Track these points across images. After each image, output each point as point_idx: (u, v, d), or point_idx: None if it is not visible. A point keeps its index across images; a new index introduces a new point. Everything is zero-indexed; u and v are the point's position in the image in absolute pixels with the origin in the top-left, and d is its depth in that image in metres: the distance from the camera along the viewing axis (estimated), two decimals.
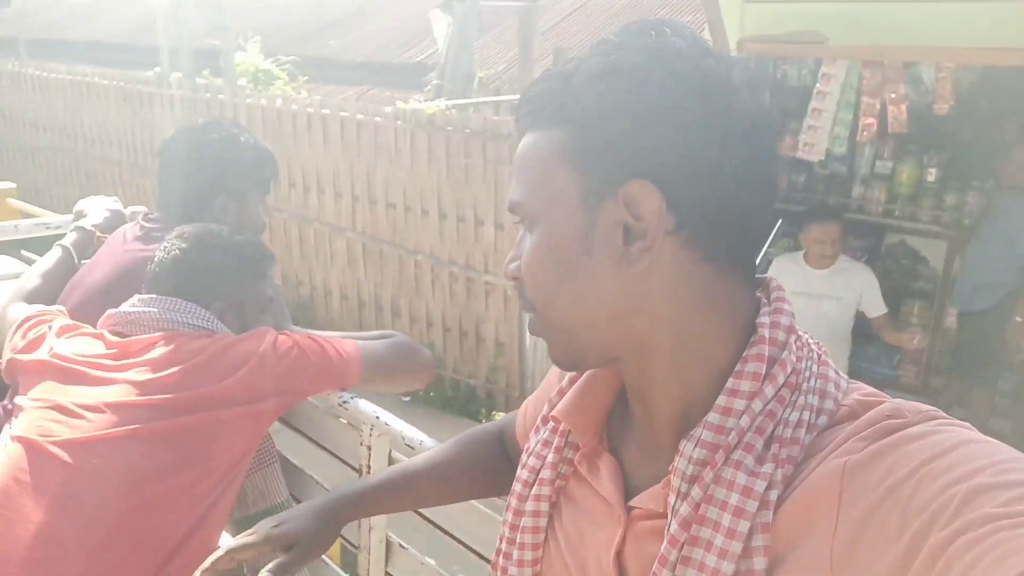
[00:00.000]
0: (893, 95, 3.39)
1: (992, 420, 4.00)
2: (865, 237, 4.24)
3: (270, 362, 1.35)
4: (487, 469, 1.03)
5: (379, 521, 1.48)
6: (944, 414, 0.58)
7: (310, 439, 1.67)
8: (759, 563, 0.58)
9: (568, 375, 0.78)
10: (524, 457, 0.80)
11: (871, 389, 0.64)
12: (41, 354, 1.38)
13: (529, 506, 0.77)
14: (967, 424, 0.57)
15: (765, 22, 3.57)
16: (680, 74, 0.60)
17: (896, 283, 4.37)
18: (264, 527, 0.97)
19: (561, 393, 0.78)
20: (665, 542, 0.62)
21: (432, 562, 1.41)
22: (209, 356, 1.33)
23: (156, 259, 1.48)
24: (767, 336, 0.62)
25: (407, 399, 5.04)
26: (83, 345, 1.38)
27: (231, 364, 1.33)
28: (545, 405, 0.81)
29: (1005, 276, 3.72)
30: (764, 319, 0.63)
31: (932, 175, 4.02)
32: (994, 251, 3.75)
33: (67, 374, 1.33)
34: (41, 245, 2.13)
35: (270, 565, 0.92)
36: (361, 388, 1.47)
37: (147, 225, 1.73)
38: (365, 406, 1.45)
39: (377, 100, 7.14)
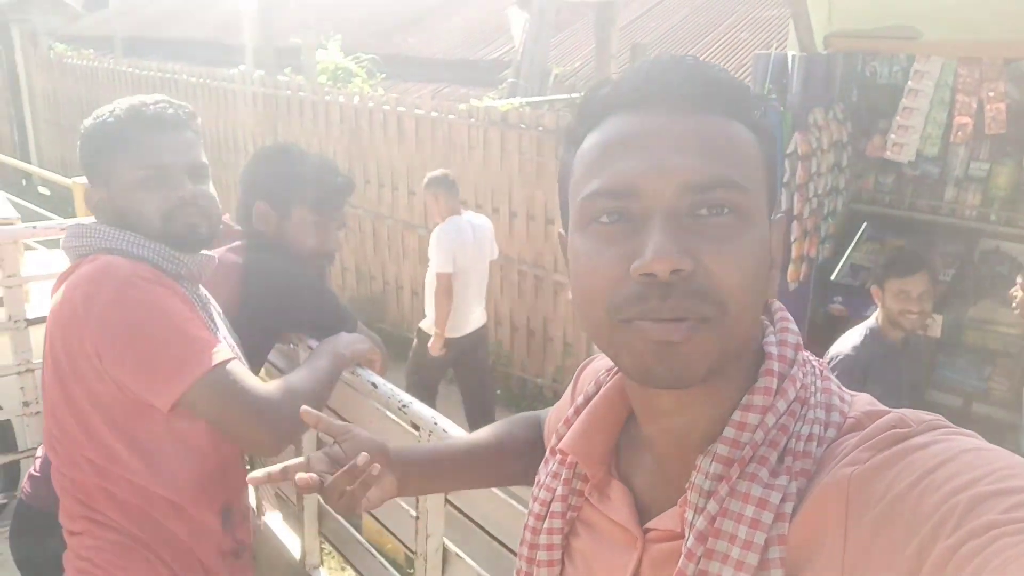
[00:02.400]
0: (991, 93, 3.20)
1: None
2: (956, 242, 4.03)
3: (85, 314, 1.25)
4: (534, 456, 0.98)
5: (436, 528, 1.46)
6: (949, 423, 0.59)
7: None
8: (776, 575, 0.59)
9: (575, 404, 0.79)
10: (535, 489, 0.82)
11: (873, 399, 0.66)
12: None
13: (543, 539, 0.78)
14: (972, 432, 0.58)
15: (854, 16, 3.41)
16: None
17: (991, 291, 4.14)
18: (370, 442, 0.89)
19: (568, 423, 0.79)
20: (682, 556, 0.62)
21: None
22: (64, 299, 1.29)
23: None
24: (775, 353, 0.65)
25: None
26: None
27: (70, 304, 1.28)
28: (552, 436, 0.82)
29: None
30: (771, 338, 0.67)
31: None
32: None
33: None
34: None
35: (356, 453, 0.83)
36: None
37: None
38: (424, 410, 1.43)
39: (452, 98, 7.16)
